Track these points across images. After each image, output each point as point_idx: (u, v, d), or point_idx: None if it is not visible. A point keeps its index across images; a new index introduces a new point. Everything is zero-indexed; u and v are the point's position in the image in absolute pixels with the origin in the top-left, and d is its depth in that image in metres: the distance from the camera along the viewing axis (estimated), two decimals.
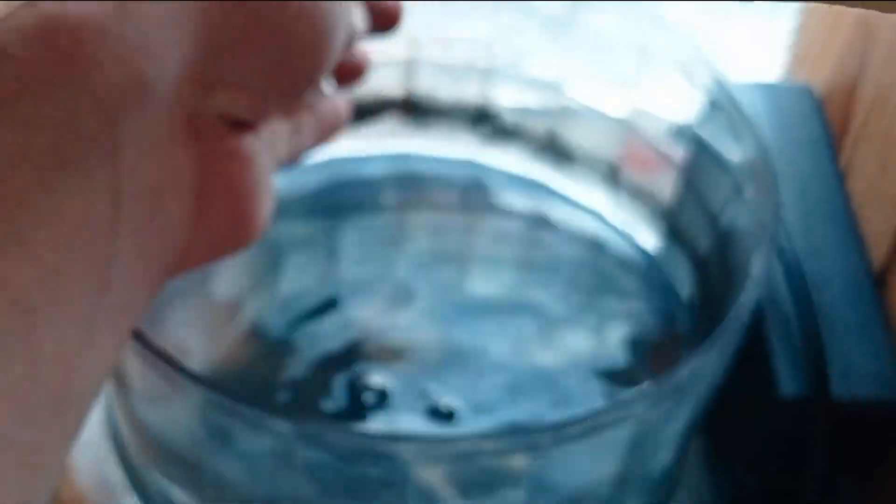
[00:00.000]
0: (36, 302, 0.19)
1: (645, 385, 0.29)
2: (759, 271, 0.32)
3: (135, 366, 0.30)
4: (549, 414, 0.38)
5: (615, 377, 0.40)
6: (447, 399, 0.38)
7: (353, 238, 0.44)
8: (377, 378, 0.39)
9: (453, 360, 0.40)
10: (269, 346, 0.40)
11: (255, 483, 0.31)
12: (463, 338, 0.41)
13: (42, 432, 0.20)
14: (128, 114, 0.21)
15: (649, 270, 0.44)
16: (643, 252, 0.44)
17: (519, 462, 0.29)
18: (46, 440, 0.20)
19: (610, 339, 0.42)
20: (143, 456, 0.36)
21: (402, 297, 0.42)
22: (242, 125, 0.25)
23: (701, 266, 0.41)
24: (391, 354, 0.40)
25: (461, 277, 0.43)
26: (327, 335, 0.40)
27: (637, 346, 0.42)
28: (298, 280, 0.42)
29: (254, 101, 0.25)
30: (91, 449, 0.39)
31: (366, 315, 0.41)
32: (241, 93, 0.24)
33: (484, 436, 0.27)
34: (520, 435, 0.28)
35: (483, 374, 0.40)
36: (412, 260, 0.44)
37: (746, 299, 0.31)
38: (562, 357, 0.40)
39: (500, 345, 0.41)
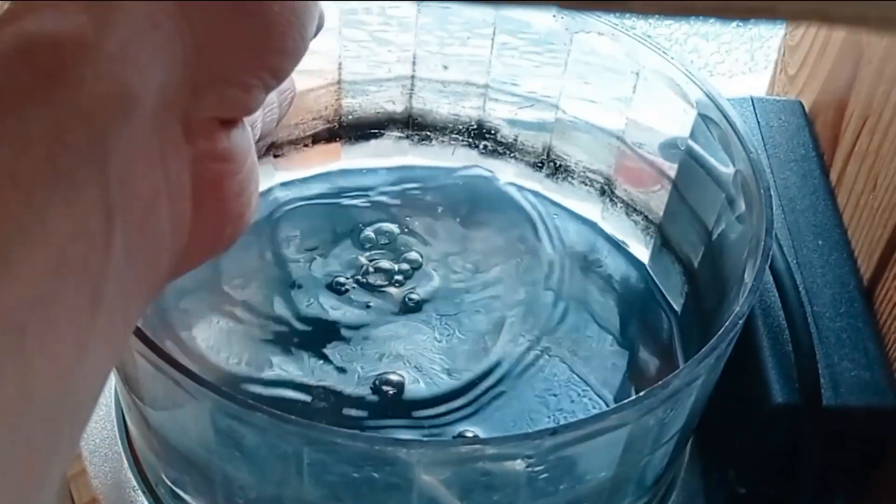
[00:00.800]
0: (26, 322, 0.19)
1: (638, 393, 0.29)
2: (753, 283, 0.33)
3: (145, 371, 0.30)
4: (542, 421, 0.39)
5: (609, 385, 0.41)
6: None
7: (355, 245, 0.45)
8: (388, 382, 0.39)
9: (449, 363, 0.40)
10: (271, 347, 0.41)
11: (263, 485, 0.31)
12: (455, 342, 0.41)
13: (36, 449, 0.19)
14: (115, 126, 0.21)
15: (642, 281, 0.44)
16: (636, 263, 0.45)
17: (519, 466, 0.29)
18: (41, 457, 0.20)
19: (603, 348, 0.42)
20: (155, 459, 0.37)
21: (403, 301, 0.43)
22: (229, 121, 0.25)
23: (693, 277, 0.42)
24: (394, 358, 0.40)
25: (457, 284, 0.44)
26: (332, 337, 0.41)
27: (630, 355, 0.42)
28: (302, 284, 0.43)
29: (242, 97, 0.25)
30: (104, 453, 0.40)
31: (367, 320, 0.42)
32: (229, 90, 0.24)
33: (486, 440, 0.27)
34: (520, 439, 0.28)
35: (475, 379, 0.40)
36: (413, 265, 0.44)
37: (741, 311, 0.32)
38: (555, 364, 0.41)
39: (491, 351, 0.41)
